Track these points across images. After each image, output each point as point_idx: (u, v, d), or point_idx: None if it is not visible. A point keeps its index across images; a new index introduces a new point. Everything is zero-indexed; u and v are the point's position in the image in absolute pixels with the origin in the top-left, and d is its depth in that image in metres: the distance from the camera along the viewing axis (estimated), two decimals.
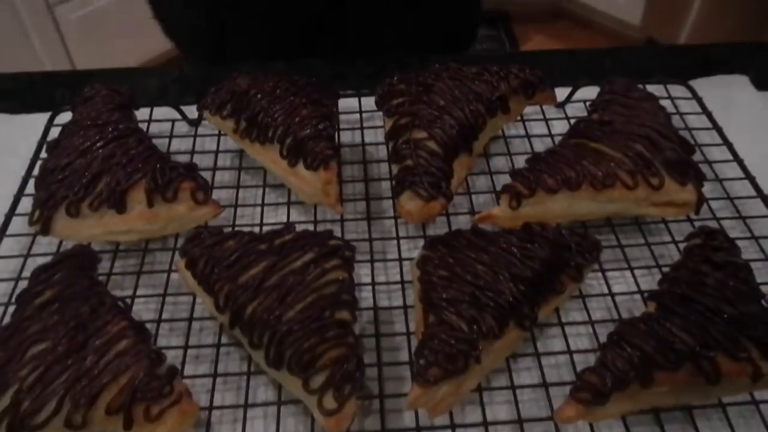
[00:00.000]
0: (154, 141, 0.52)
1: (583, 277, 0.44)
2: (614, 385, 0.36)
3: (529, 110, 0.62)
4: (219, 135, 0.59)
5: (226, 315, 0.40)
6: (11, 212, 0.52)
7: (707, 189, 0.55)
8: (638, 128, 0.51)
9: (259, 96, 0.53)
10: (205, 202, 0.48)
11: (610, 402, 0.37)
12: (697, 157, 0.57)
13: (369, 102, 0.60)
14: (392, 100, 0.55)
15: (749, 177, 0.56)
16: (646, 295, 0.46)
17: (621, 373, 0.36)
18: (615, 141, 0.50)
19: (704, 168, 0.56)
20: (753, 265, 0.48)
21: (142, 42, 1.79)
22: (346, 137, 0.60)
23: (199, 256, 0.42)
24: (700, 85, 0.67)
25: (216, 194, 0.54)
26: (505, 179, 0.51)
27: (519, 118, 0.61)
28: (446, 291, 0.39)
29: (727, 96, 0.66)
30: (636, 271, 0.48)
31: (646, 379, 0.37)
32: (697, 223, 0.52)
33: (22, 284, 0.42)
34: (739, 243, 0.50)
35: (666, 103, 0.63)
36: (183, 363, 0.43)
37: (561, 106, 0.64)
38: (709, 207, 0.54)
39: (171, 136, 0.60)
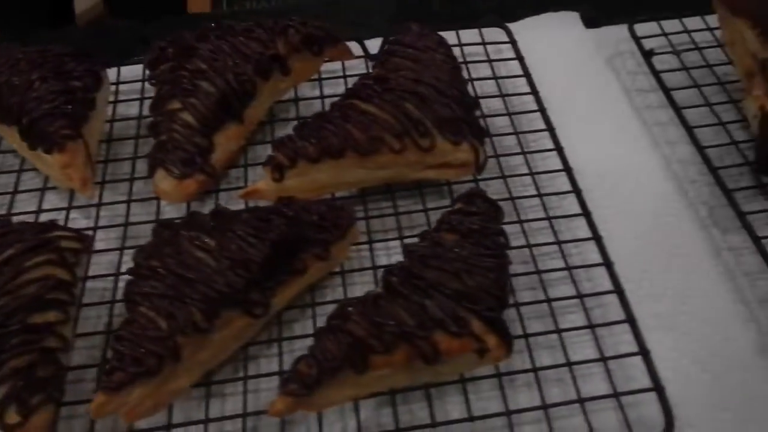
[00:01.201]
0: None
1: (331, 255, 0.41)
2: (323, 373, 0.34)
3: (333, 67, 0.58)
4: None
5: None
6: None
7: (507, 145, 0.52)
8: (412, 84, 0.47)
9: None
10: None
11: (329, 390, 0.35)
12: (496, 108, 0.54)
13: None
14: (159, 66, 0.51)
15: (550, 129, 0.52)
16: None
17: (330, 360, 0.34)
18: (386, 100, 0.47)
19: (504, 120, 0.54)
20: (537, 225, 0.47)
21: None
22: (127, 110, 0.55)
23: None
24: (523, 26, 0.63)
25: None
26: None
27: (316, 77, 0.56)
28: (148, 284, 0.36)
29: (551, 37, 0.62)
30: (407, 241, 0.45)
31: (360, 364, 0.34)
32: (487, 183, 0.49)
33: None
34: (529, 201, 0.49)
35: (478, 50, 0.60)
36: None
37: (374, 59, 0.59)
38: (499, 165, 0.51)
39: None
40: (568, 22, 0.64)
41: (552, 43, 0.62)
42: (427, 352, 0.35)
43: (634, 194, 0.50)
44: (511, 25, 0.63)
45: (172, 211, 0.48)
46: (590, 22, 0.64)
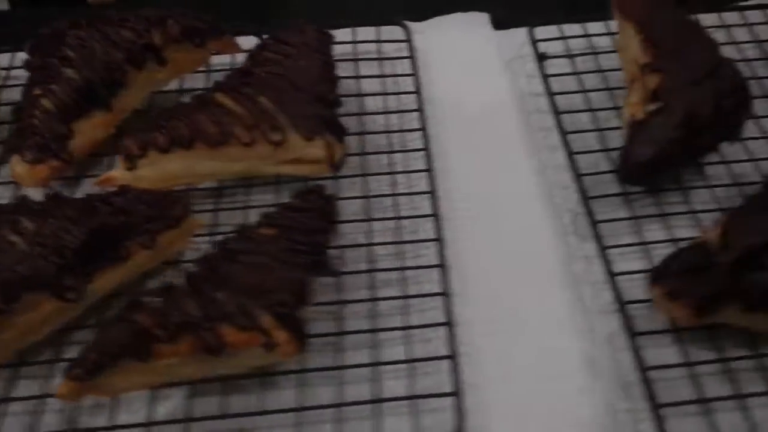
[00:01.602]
0: None
1: (159, 244, 0.41)
2: (104, 359, 0.34)
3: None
4: None
5: None
6: None
7: (382, 144, 0.52)
8: (272, 79, 0.47)
9: None
10: None
11: (114, 376, 0.35)
12: (376, 107, 0.54)
13: None
14: (35, 53, 0.52)
15: (422, 129, 0.52)
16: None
17: (112, 347, 0.35)
18: (242, 93, 0.47)
19: (382, 119, 0.54)
20: (386, 225, 0.47)
21: None
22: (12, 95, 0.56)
23: None
24: (429, 25, 0.63)
25: None
26: None
27: (205, 68, 0.57)
28: None
29: (455, 37, 0.62)
30: None
31: (143, 352, 0.35)
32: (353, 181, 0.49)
33: None
34: (386, 200, 0.49)
35: (370, 48, 0.59)
36: None
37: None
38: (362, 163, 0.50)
39: None
40: (477, 23, 0.63)
41: (455, 44, 0.61)
42: (211, 344, 0.35)
43: (501, 198, 0.50)
44: (419, 24, 0.63)
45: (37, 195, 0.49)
46: (500, 24, 0.64)
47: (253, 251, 0.38)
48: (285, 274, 0.37)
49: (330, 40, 0.53)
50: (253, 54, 0.51)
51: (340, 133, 0.47)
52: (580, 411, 0.39)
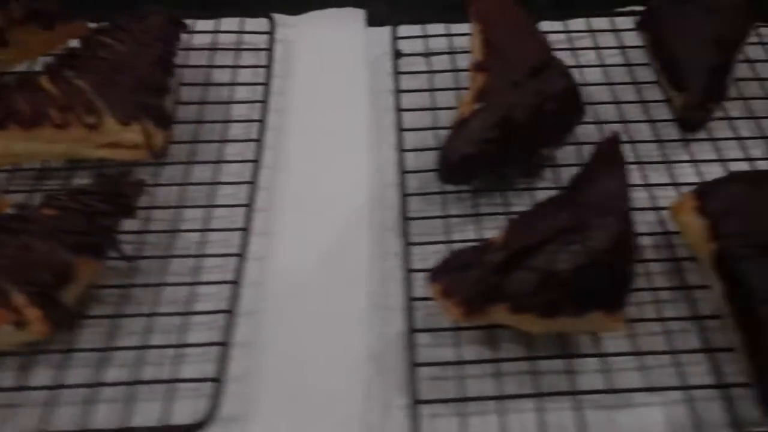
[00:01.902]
0: None
1: None
2: None
3: None
4: None
5: None
6: None
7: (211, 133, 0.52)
8: (96, 63, 0.47)
9: None
10: None
11: None
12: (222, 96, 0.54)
13: None
14: None
15: (259, 120, 0.52)
16: None
17: None
18: (62, 76, 0.47)
19: (220, 108, 0.54)
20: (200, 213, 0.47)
21: None
22: None
23: None
24: (301, 20, 0.63)
25: None
26: None
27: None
28: None
29: (326, 32, 0.62)
30: None
31: None
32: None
33: None
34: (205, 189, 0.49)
35: (231, 39, 0.59)
36: None
37: None
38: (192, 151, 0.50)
39: None
40: (351, 18, 0.63)
41: (324, 39, 0.61)
42: None
43: (330, 193, 0.50)
44: (293, 18, 0.63)
45: None
46: (376, 21, 0.64)
47: (23, 230, 0.38)
48: (48, 253, 0.37)
49: (179, 29, 0.54)
50: (86, 38, 0.51)
51: (162, 120, 0.48)
52: (353, 405, 0.39)
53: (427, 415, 0.38)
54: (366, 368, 0.41)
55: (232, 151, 0.51)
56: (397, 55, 0.57)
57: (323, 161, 0.52)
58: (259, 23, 0.60)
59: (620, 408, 0.39)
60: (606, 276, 0.37)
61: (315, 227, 0.48)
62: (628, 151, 0.51)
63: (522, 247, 0.37)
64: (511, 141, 0.46)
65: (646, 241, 0.46)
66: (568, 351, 0.40)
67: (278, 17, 0.62)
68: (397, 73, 0.55)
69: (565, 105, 0.47)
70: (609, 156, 0.43)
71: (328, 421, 0.38)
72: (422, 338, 0.41)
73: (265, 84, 0.55)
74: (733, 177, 0.43)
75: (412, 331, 0.40)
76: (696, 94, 0.49)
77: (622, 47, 0.58)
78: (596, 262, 0.37)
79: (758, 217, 0.39)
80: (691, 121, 0.50)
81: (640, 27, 0.55)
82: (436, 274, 0.39)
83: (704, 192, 0.43)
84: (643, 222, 0.47)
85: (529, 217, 0.40)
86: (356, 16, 0.64)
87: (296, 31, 0.62)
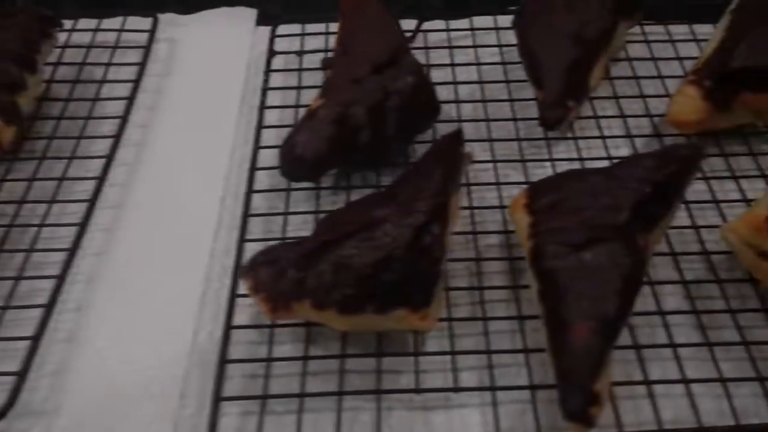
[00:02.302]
0: None
1: None
2: None
3: None
4: None
5: None
6: None
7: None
8: None
9: None
10: None
11: None
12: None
13: None
14: None
15: (121, 117, 0.52)
16: None
17: None
18: None
19: (85, 106, 0.54)
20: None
21: None
22: None
23: None
24: (192, 19, 0.63)
25: None
26: None
27: None
28: None
29: (213, 31, 0.62)
30: None
31: None
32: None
33: None
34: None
35: (111, 37, 0.59)
36: None
37: None
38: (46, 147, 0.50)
39: None
40: (242, 18, 0.63)
41: (210, 38, 0.61)
42: None
43: (185, 190, 0.50)
44: (186, 17, 0.63)
45: None
46: (267, 20, 0.63)
47: None
48: None
49: (49, 26, 0.54)
50: None
51: (12, 116, 0.48)
52: (167, 402, 0.39)
53: (234, 414, 0.38)
54: (186, 365, 0.40)
55: (94, 147, 0.51)
56: (271, 53, 0.57)
57: (185, 159, 0.52)
58: (142, 22, 0.61)
59: (434, 409, 0.38)
60: (406, 273, 0.36)
61: (163, 224, 0.47)
62: (487, 150, 0.51)
63: (323, 242, 0.37)
64: (352, 138, 0.45)
65: (492, 240, 0.46)
66: (389, 350, 0.40)
67: (168, 17, 0.63)
68: (269, 71, 0.55)
69: (413, 102, 0.47)
70: (442, 153, 0.43)
71: (139, 418, 0.38)
72: (244, 335, 0.41)
73: (136, 81, 0.55)
74: (562, 175, 0.42)
75: (229, 328, 0.40)
76: (552, 91, 0.49)
77: (500, 46, 0.58)
78: (394, 258, 0.36)
79: (575, 216, 0.39)
80: (550, 119, 0.49)
81: (513, 25, 0.54)
82: (246, 270, 0.39)
83: (533, 189, 0.42)
84: (493, 221, 0.47)
85: (341, 213, 0.40)
86: (248, 15, 0.64)
87: (184, 30, 0.62)
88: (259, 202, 0.47)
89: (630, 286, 0.36)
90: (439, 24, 0.60)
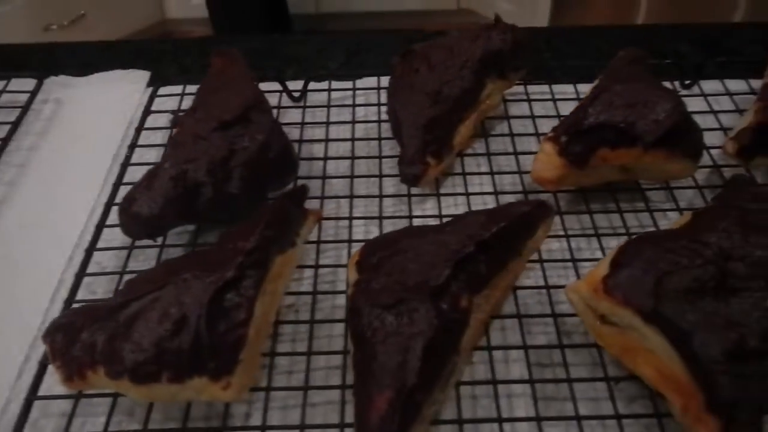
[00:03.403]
0: None
1: None
2: None
3: None
4: None
5: None
6: None
7: None
8: None
9: None
10: None
11: None
12: None
13: None
14: None
15: None
16: None
17: None
18: None
19: None
20: None
21: None
22: None
23: None
24: (88, 80, 0.63)
25: None
26: None
27: None
28: None
29: (102, 92, 0.62)
30: None
31: None
32: None
33: None
34: None
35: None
36: None
37: None
38: None
39: None
40: (135, 79, 0.63)
41: (98, 99, 0.61)
42: None
43: (39, 247, 0.48)
44: (78, 79, 0.63)
45: None
46: (160, 81, 0.63)
47: None
48: None
49: None
50: None
51: None
52: None
53: None
54: None
55: None
56: (146, 112, 0.56)
57: (44, 218, 0.50)
58: (27, 83, 0.61)
59: None
60: (203, 337, 0.34)
61: (5, 285, 0.46)
62: (346, 207, 0.49)
63: (117, 305, 0.35)
64: (191, 195, 0.44)
65: (340, 300, 0.43)
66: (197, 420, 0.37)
67: (62, 78, 0.63)
68: (140, 129, 0.55)
69: (261, 160, 0.45)
70: (273, 211, 0.41)
71: None
72: (57, 406, 0.38)
73: (4, 140, 0.54)
74: (400, 232, 0.40)
75: (32, 398, 0.37)
76: (410, 148, 0.47)
77: (379, 105, 0.57)
78: (188, 321, 0.34)
79: (393, 275, 0.36)
80: (409, 175, 0.47)
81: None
82: (44, 335, 0.36)
83: (368, 246, 0.40)
84: (343, 280, 0.44)
85: (147, 273, 0.38)
86: (141, 77, 0.64)
87: (73, 91, 0.62)
88: (107, 261, 0.46)
89: (434, 352, 0.33)
90: (323, 85, 0.60)
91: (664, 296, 0.34)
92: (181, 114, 0.48)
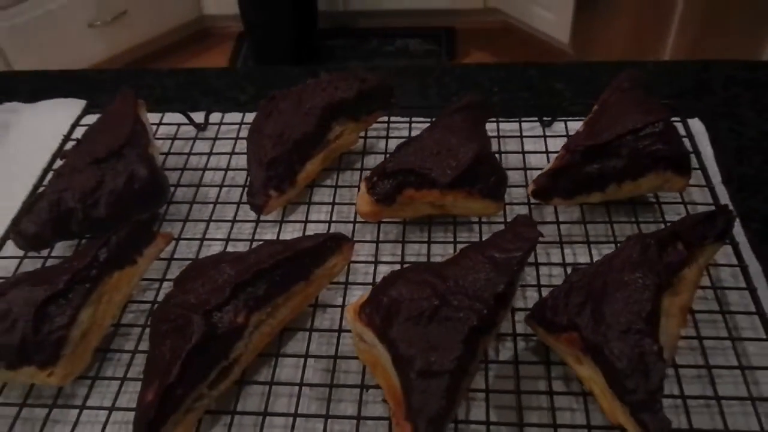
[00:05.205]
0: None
1: None
2: None
3: None
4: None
5: None
6: None
7: None
8: None
9: None
10: None
11: None
12: None
13: None
14: None
15: None
16: None
17: None
18: None
19: None
20: None
21: None
22: None
23: None
24: (33, 107, 0.74)
25: None
26: None
27: None
28: None
29: (40, 119, 0.73)
30: None
31: None
32: None
33: None
34: None
35: None
36: None
37: None
38: None
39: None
40: (71, 107, 0.74)
41: (36, 124, 0.73)
42: None
43: None
44: (26, 105, 0.74)
45: None
46: (94, 109, 0.74)
47: None
48: None
49: None
50: None
51: None
52: None
53: None
54: None
55: None
56: (65, 139, 0.67)
57: None
58: None
59: None
60: (28, 336, 0.44)
61: None
62: (201, 229, 0.58)
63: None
64: (65, 218, 0.54)
65: None
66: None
67: (12, 104, 0.74)
68: (57, 155, 0.65)
69: (128, 189, 0.55)
70: (118, 233, 0.50)
71: None
72: None
73: None
74: (207, 258, 0.49)
75: None
76: (256, 180, 0.56)
77: None
78: (16, 323, 0.44)
79: (185, 294, 0.45)
80: (253, 204, 0.56)
81: None
82: None
83: (187, 267, 0.49)
84: None
85: (4, 283, 0.48)
86: (77, 105, 0.75)
87: (20, 116, 0.73)
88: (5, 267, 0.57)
89: (199, 356, 0.42)
90: (216, 117, 0.69)
91: (394, 321, 0.42)
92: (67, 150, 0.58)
